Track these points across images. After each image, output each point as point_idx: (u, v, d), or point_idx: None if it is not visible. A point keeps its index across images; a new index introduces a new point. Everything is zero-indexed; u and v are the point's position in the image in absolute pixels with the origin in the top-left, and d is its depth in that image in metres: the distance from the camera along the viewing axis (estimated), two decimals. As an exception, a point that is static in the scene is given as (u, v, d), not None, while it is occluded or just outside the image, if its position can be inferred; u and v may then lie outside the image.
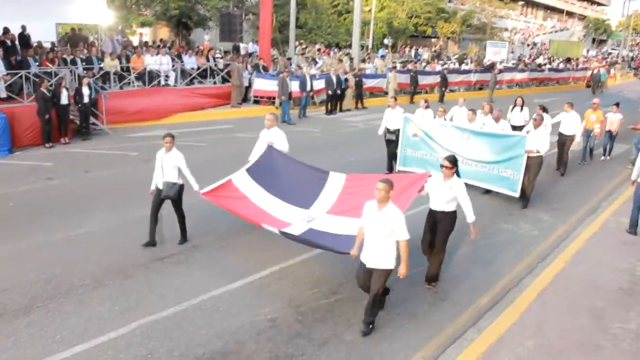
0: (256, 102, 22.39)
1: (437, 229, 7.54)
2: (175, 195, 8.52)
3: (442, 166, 7.40)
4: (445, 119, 13.28)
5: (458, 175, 7.47)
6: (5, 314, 6.62)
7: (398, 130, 13.04)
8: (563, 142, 14.40)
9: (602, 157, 16.48)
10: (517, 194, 11.31)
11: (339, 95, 22.71)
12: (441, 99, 26.43)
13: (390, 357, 6.11)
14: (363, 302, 6.66)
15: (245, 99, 22.28)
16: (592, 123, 15.30)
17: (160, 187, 8.49)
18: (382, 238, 6.19)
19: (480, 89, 31.97)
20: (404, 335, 6.57)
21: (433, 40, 50.64)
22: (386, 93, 25.78)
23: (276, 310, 6.97)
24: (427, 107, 14.08)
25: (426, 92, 28.85)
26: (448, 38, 50.74)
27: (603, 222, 10.56)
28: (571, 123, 14.24)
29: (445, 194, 7.37)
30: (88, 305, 6.90)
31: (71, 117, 15.74)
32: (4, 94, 15.36)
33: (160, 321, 6.61)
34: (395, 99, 13.91)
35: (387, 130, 13.34)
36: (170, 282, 7.59)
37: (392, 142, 13.31)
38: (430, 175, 7.63)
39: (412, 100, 26.21)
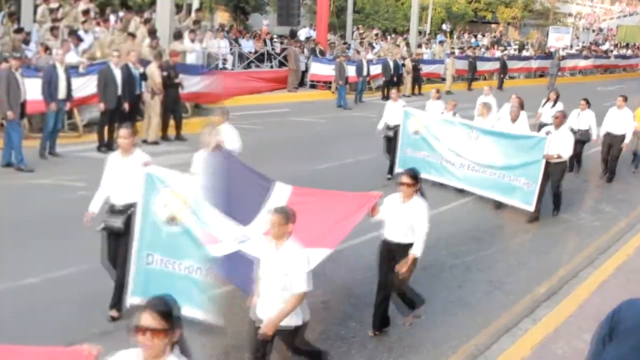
0: (312, 86, 22.44)
1: (393, 268, 5.84)
2: None
3: (399, 183, 5.81)
4: (455, 114, 11.57)
5: (422, 194, 5.92)
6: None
7: (398, 126, 11.41)
8: (611, 143, 12.26)
9: None
10: (531, 208, 9.56)
11: (396, 81, 22.48)
12: (500, 86, 25.81)
13: (442, 344, 6.07)
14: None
15: (301, 84, 22.35)
16: None
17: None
18: (279, 288, 4.59)
19: (541, 76, 31.05)
20: (456, 322, 6.51)
21: (493, 26, 49.36)
22: (444, 79, 25.41)
23: (328, 292, 6.99)
24: (438, 97, 12.66)
25: (485, 79, 28.27)
26: (509, 24, 49.35)
27: (670, 215, 10.15)
28: (622, 121, 12.12)
29: (403, 220, 5.77)
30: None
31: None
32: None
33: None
34: (398, 90, 12.75)
35: (387, 127, 11.76)
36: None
37: (390, 140, 11.66)
38: (381, 196, 5.95)
39: (470, 87, 25.74)
